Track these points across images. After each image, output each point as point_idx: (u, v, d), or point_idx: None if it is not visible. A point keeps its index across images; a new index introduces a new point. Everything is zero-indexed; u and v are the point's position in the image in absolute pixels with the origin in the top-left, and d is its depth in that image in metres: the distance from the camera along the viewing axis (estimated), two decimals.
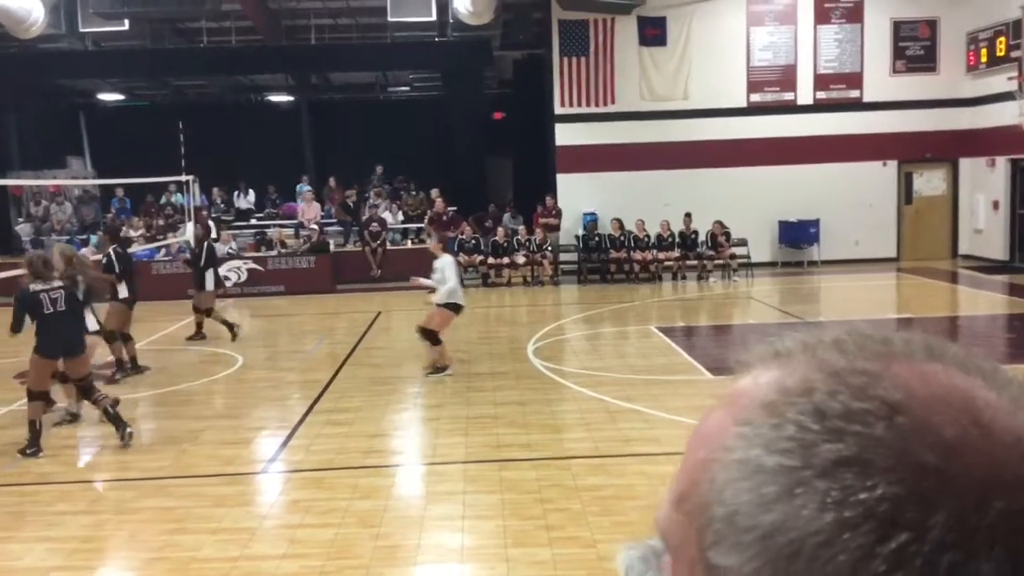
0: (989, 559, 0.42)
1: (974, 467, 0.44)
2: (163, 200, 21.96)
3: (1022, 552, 0.43)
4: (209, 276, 12.97)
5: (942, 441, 0.45)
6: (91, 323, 8.52)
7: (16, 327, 7.50)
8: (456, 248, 18.46)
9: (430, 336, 9.94)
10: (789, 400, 0.49)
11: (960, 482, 0.44)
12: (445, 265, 9.87)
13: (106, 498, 6.53)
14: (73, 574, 5.29)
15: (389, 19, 18.85)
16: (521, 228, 19.51)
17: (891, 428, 0.46)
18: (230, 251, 18.50)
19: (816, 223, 19.77)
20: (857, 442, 0.45)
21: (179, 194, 21.06)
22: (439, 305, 9.92)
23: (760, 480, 0.47)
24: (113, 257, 10.74)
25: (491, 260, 18.89)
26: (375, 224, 19.47)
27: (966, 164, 20.28)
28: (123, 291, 10.65)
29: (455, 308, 9.94)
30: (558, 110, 19.95)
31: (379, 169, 22.45)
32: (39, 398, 7.70)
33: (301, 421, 8.37)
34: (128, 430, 7.63)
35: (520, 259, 18.85)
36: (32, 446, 7.49)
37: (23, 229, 21.22)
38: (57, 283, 7.68)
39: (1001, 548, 0.43)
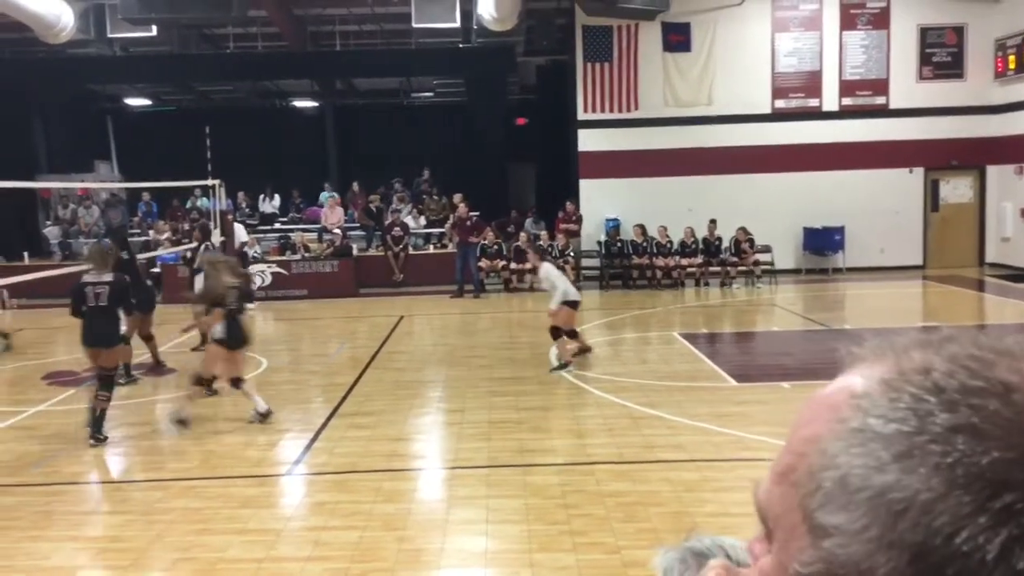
0: None
1: None
2: (188, 204, 22.16)
3: None
4: (198, 280, 12.66)
5: None
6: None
7: (72, 313, 8.24)
8: (478, 253, 18.52)
9: (559, 333, 10.48)
10: (907, 378, 0.53)
11: None
12: (549, 272, 10.60)
13: (134, 499, 6.59)
14: (100, 574, 5.36)
15: (413, 25, 18.92)
16: (543, 233, 19.51)
17: (1006, 403, 0.49)
18: (255, 255, 18.63)
19: (841, 230, 19.64)
20: (972, 413, 0.49)
21: (204, 198, 21.24)
22: (562, 304, 10.38)
23: (875, 446, 0.50)
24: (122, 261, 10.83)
25: (513, 265, 18.91)
26: (397, 229, 19.55)
27: (993, 171, 20.08)
28: None
29: (573, 304, 10.52)
30: (581, 116, 19.95)
31: (426, 172, 22.46)
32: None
33: (325, 424, 8.41)
34: (102, 438, 7.84)
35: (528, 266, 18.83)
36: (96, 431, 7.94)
37: (51, 232, 21.46)
38: (107, 278, 8.07)
39: None
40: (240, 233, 17.96)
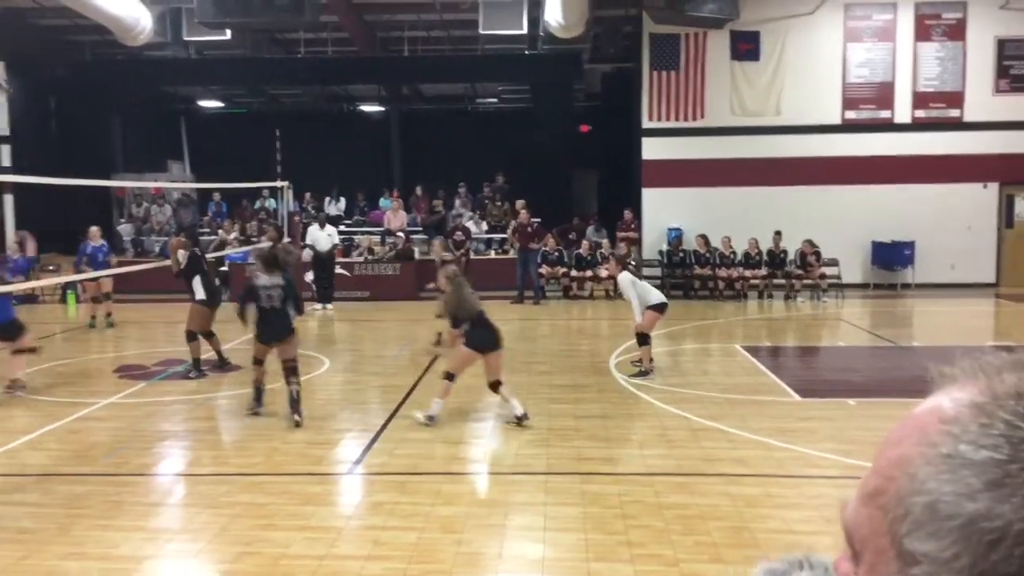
0: None
1: None
2: (257, 205, 22.61)
3: None
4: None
5: None
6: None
7: (240, 313, 8.97)
8: (539, 260, 18.54)
9: (646, 339, 10.57)
10: (999, 403, 0.52)
11: None
12: (622, 281, 10.51)
13: (200, 491, 6.74)
14: (166, 563, 5.49)
15: (481, 32, 19.06)
16: (605, 241, 19.47)
17: None
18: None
19: (911, 245, 19.21)
20: None
21: (272, 199, 21.66)
22: (647, 308, 10.44)
23: (966, 473, 0.49)
24: (198, 257, 11.08)
25: (574, 273, 18.90)
26: (459, 233, 19.67)
27: None
28: (200, 292, 10.95)
29: (659, 308, 10.54)
30: (646, 124, 19.86)
31: (500, 179, 22.60)
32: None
33: (385, 425, 8.50)
34: (298, 417, 8.52)
35: (603, 272, 18.78)
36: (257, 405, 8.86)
37: (124, 229, 22.09)
38: (279, 280, 8.79)
39: None
40: (334, 234, 18.30)
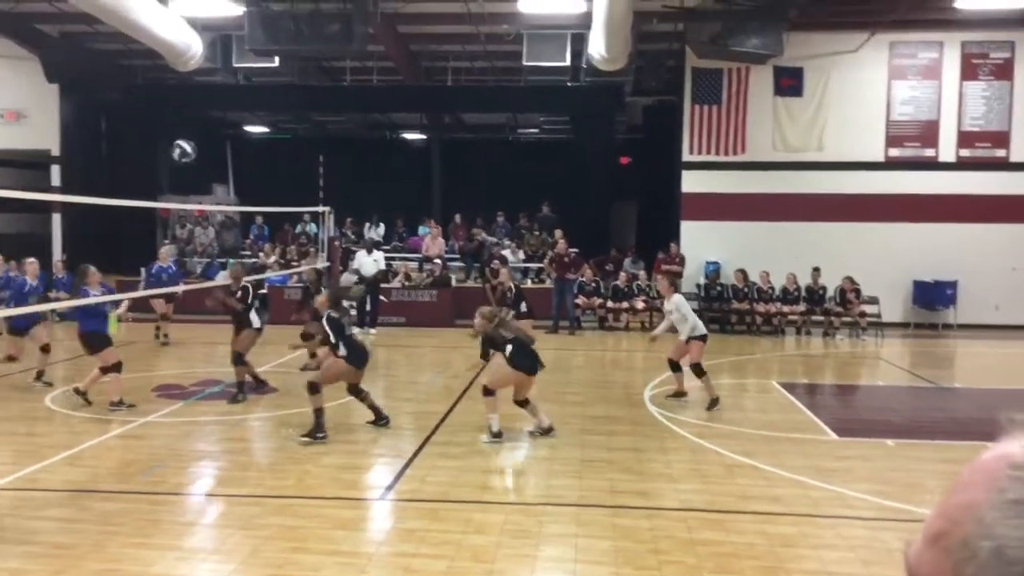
0: None
1: None
2: (298, 229, 22.88)
3: None
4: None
5: None
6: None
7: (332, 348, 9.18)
8: (576, 290, 18.53)
9: (703, 371, 10.58)
10: None
11: None
12: (680, 303, 10.71)
13: (233, 512, 6.78)
14: None
15: (524, 63, 19.22)
16: (642, 273, 19.41)
17: None
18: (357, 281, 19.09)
19: (953, 284, 18.93)
20: None
21: (312, 224, 21.91)
22: (691, 338, 10.57)
23: None
24: (249, 289, 11.21)
25: (610, 304, 18.85)
26: (496, 262, 19.72)
27: None
28: (256, 321, 11.09)
29: (704, 338, 10.68)
30: (686, 157, 19.85)
31: (545, 208, 22.68)
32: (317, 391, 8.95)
33: (417, 452, 8.51)
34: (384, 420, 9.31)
35: (639, 304, 18.73)
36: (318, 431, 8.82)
37: (168, 250, 22.41)
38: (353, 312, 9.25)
39: None
40: (380, 260, 18.55)
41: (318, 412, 8.82)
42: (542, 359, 9.13)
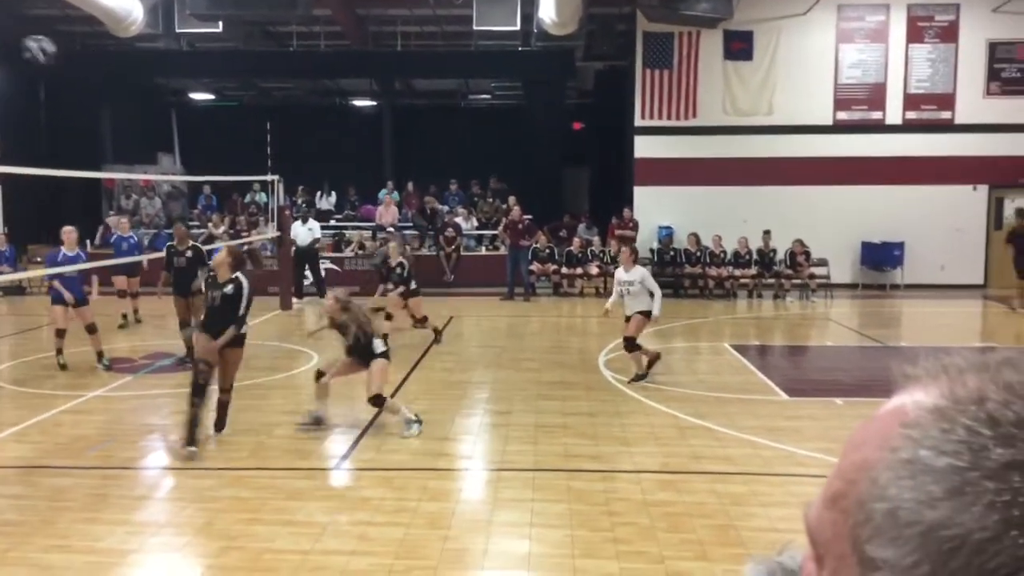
0: None
1: None
2: (248, 199, 22.53)
3: None
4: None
5: None
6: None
7: None
8: (530, 256, 18.54)
9: (636, 346, 10.13)
10: (960, 408, 0.51)
11: None
12: (646, 276, 10.13)
13: (185, 485, 6.71)
14: (150, 557, 5.46)
15: (474, 27, 19.01)
16: (595, 239, 19.48)
17: None
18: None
19: (900, 246, 19.29)
20: None
21: (263, 193, 21.59)
22: (639, 312, 10.06)
23: (927, 479, 0.49)
24: (201, 249, 11.13)
25: (564, 270, 18.90)
26: (450, 229, 19.65)
27: None
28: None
29: (648, 314, 10.11)
30: (638, 122, 19.87)
31: (493, 181, 22.49)
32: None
33: (372, 421, 8.48)
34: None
35: (593, 270, 18.81)
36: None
37: (112, 221, 21.96)
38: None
39: None
40: (315, 229, 18.30)
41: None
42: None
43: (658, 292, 10.12)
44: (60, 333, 10.87)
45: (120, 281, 14.34)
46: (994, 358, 0.54)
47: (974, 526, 0.46)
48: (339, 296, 8.34)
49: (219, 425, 8.01)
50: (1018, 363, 0.53)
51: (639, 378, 10.15)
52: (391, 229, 19.25)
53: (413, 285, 12.77)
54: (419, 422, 8.02)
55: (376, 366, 8.02)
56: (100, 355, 10.93)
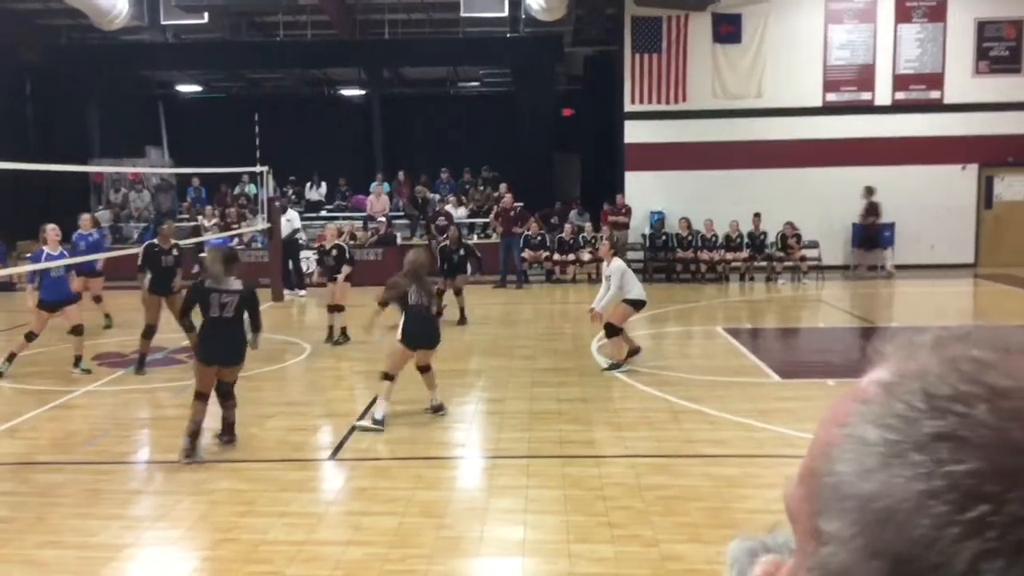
0: None
1: None
2: (237, 190, 22.43)
3: None
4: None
5: None
6: None
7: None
8: (522, 244, 18.51)
9: (616, 331, 9.98)
10: (902, 382, 0.52)
11: None
12: (616, 270, 9.97)
13: (179, 479, 6.69)
14: (145, 551, 5.45)
15: (462, 14, 18.95)
16: (587, 225, 19.46)
17: (992, 410, 0.48)
18: (302, 242, 18.83)
19: (891, 226, 19.31)
20: (956, 420, 0.48)
21: (252, 185, 21.49)
22: (626, 300, 9.94)
23: (864, 452, 0.50)
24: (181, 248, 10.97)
25: (556, 257, 18.89)
26: (442, 218, 19.61)
27: None
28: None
29: (637, 304, 10.00)
30: (628, 107, 19.82)
31: (485, 171, 22.43)
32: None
33: (366, 411, 8.46)
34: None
35: (586, 256, 18.80)
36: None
37: (102, 215, 21.86)
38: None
39: None
40: (294, 219, 18.18)
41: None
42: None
43: (612, 290, 9.90)
44: (30, 337, 10.22)
45: (78, 283, 12.15)
46: (953, 332, 0.54)
47: (900, 496, 0.48)
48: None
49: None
50: (971, 337, 0.53)
51: (614, 367, 9.98)
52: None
53: (347, 269, 12.46)
54: (380, 430, 7.72)
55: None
56: (78, 359, 10.42)
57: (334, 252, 12.63)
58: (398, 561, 5.11)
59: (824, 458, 0.53)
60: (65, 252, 10.92)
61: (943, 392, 0.50)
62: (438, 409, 8.24)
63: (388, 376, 7.95)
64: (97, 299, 13.69)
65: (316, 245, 15.95)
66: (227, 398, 7.33)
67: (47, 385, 9.76)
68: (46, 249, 10.38)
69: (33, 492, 6.36)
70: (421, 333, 8.10)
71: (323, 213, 22.34)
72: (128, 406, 8.95)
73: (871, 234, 18.98)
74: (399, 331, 8.09)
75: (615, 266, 10.05)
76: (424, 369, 8.22)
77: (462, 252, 14.21)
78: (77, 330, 10.41)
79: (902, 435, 0.49)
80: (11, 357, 10.30)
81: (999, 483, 0.46)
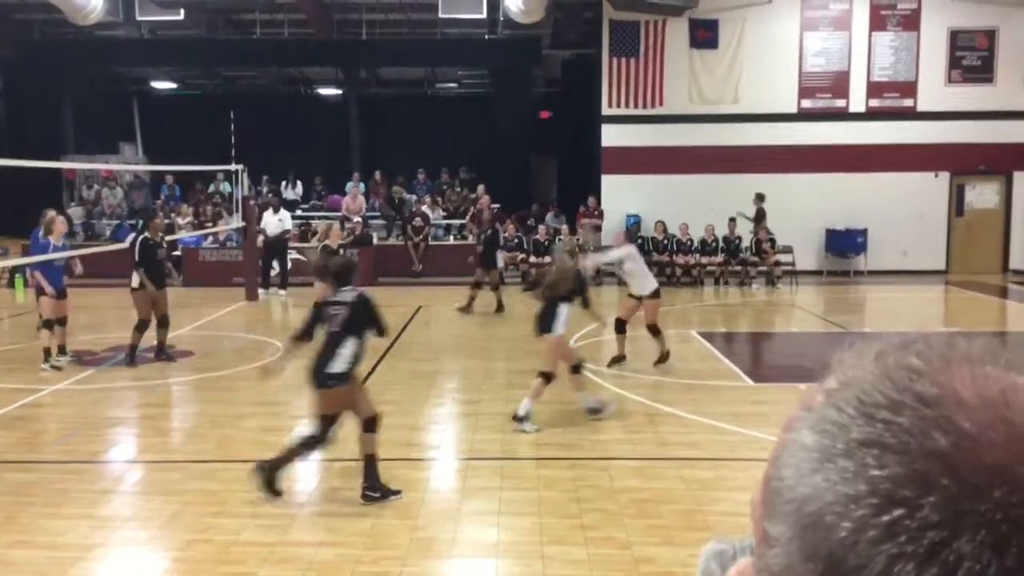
0: (971, 541, 0.45)
1: (985, 457, 0.47)
2: (212, 188, 22.28)
3: (1008, 538, 0.45)
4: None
5: (960, 431, 0.48)
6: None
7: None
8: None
9: (621, 327, 10.33)
10: (841, 389, 0.54)
11: (965, 469, 0.47)
12: (638, 254, 10.29)
13: (151, 479, 6.64)
14: (115, 551, 5.40)
15: (440, 15, 18.93)
16: (564, 227, 19.50)
17: (916, 417, 0.49)
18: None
19: (864, 232, 19.51)
20: (883, 427, 0.50)
21: (227, 183, 21.35)
22: (647, 297, 10.14)
23: (801, 456, 0.52)
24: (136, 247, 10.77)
25: (532, 259, 18.89)
26: (418, 219, 19.58)
27: (1021, 178, 19.91)
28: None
29: (658, 297, 10.31)
30: (605, 111, 19.89)
31: (462, 172, 22.41)
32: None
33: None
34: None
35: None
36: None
37: (75, 212, 21.62)
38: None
39: (988, 533, 0.45)
40: (286, 219, 18.07)
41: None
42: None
43: (639, 275, 10.16)
44: (49, 325, 10.35)
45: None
46: (902, 341, 0.56)
47: (826, 500, 0.49)
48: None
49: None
50: (915, 346, 0.54)
51: (616, 360, 10.34)
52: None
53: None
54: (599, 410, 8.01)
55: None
56: (48, 353, 10.26)
57: (341, 252, 12.69)
58: (371, 563, 5.09)
59: (773, 462, 0.55)
60: (67, 245, 11.03)
61: (874, 399, 0.51)
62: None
63: (550, 377, 7.85)
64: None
65: (319, 244, 15.89)
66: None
67: (16, 383, 9.64)
68: (51, 240, 10.40)
69: (2, 491, 6.27)
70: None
71: (298, 212, 22.23)
72: (99, 404, 8.86)
73: (760, 242, 18.81)
74: (560, 325, 7.98)
75: (632, 251, 10.31)
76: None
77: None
78: (62, 321, 10.57)
79: (834, 440, 0.51)
80: (47, 352, 10.38)
81: (914, 489, 0.47)
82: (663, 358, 10.22)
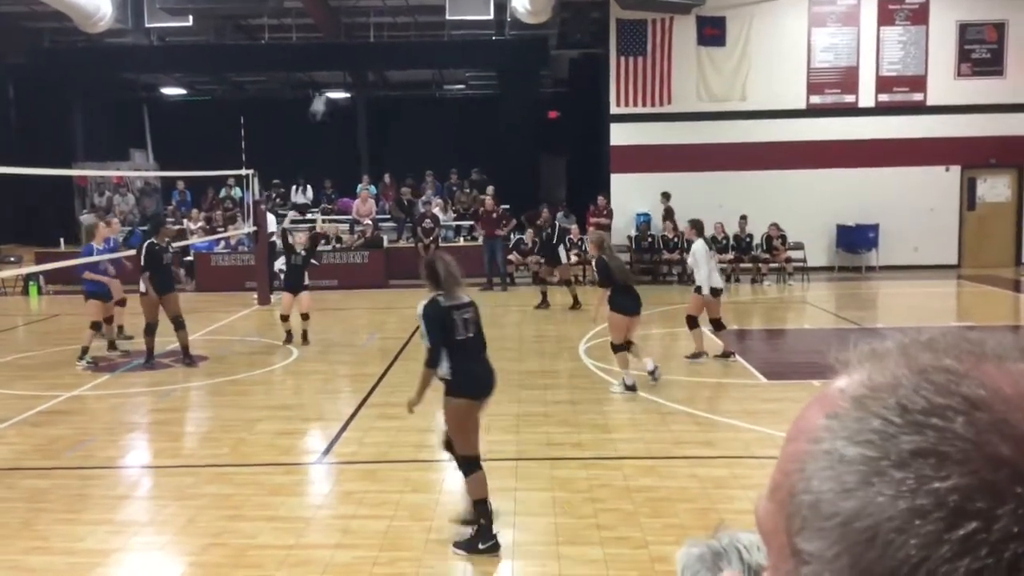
0: None
1: None
2: (222, 194, 22.35)
3: None
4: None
5: (1020, 436, 0.46)
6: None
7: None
8: (512, 246, 18.54)
9: (696, 323, 10.65)
10: (875, 395, 0.51)
11: None
12: (705, 252, 10.65)
13: (166, 483, 6.68)
14: (133, 556, 5.43)
15: (447, 17, 18.95)
16: (574, 227, 19.48)
17: (970, 423, 0.47)
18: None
19: (875, 228, 19.44)
20: (935, 435, 0.47)
21: (238, 188, 21.41)
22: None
23: (842, 469, 0.49)
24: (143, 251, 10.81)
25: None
26: (428, 221, 19.60)
27: None
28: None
29: (715, 292, 10.62)
30: (614, 110, 19.87)
31: (474, 173, 22.41)
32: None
33: (354, 414, 8.47)
34: None
35: (572, 258, 18.80)
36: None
37: (86, 219, 21.74)
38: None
39: None
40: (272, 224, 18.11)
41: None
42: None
43: (704, 271, 10.47)
44: (96, 326, 10.97)
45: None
46: (919, 339, 0.54)
47: (884, 516, 0.46)
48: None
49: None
50: (939, 344, 0.53)
51: (695, 356, 10.59)
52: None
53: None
54: (633, 388, 8.87)
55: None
56: (85, 351, 10.90)
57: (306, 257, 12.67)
58: (387, 564, 5.11)
59: (799, 474, 0.52)
60: (106, 248, 11.36)
61: (918, 405, 0.49)
62: (653, 372, 9.12)
63: (621, 347, 8.92)
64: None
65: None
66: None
67: (32, 390, 9.70)
68: (95, 244, 10.70)
69: (19, 498, 6.32)
70: (634, 302, 9.18)
71: (308, 216, 22.27)
72: (115, 410, 8.91)
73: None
74: (610, 305, 9.02)
75: (700, 248, 10.74)
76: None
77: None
78: (109, 319, 11.37)
79: (880, 451, 0.48)
80: (84, 351, 10.88)
81: (986, 499, 0.45)
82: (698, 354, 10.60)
